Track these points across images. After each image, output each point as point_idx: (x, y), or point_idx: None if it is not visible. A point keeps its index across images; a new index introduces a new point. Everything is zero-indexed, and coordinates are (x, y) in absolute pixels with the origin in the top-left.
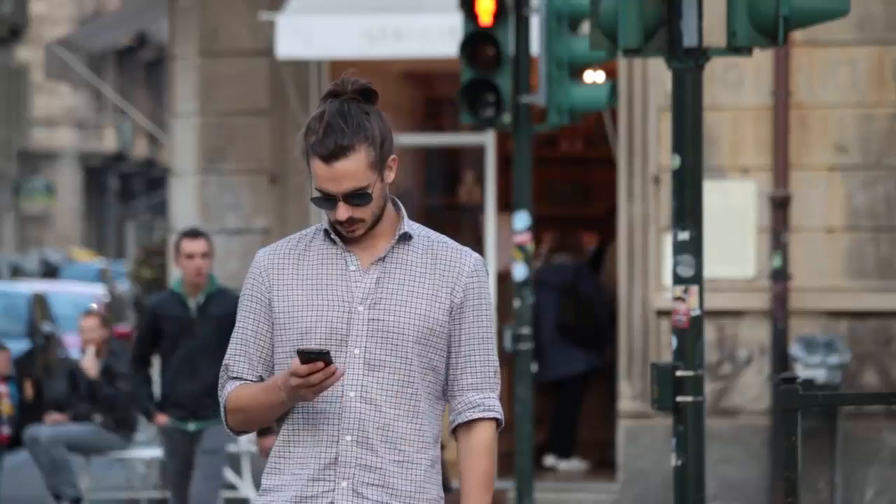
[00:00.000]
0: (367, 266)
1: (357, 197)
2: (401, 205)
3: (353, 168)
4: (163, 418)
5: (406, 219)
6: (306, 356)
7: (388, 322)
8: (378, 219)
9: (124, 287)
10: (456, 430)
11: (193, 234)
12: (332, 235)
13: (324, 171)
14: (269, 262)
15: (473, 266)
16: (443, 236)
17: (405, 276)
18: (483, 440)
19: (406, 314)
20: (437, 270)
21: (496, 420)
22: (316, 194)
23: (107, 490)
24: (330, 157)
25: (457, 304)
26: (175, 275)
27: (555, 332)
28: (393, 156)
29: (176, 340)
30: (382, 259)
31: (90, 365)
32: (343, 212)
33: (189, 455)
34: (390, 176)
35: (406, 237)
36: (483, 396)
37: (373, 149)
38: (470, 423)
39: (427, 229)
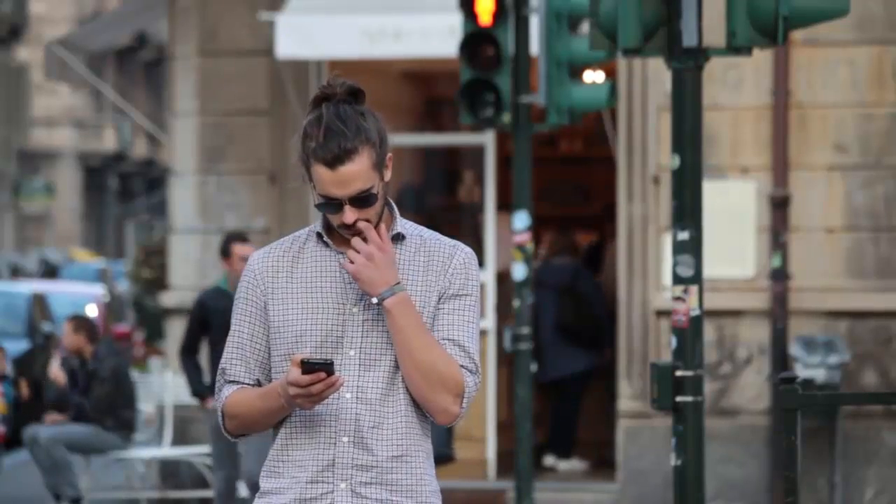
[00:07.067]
0: None
1: (363, 200)
2: (393, 205)
3: (357, 171)
4: (212, 402)
5: (399, 219)
6: (310, 367)
7: (383, 322)
8: (380, 218)
9: (124, 287)
10: None
11: (244, 237)
12: (325, 238)
13: (329, 177)
14: (262, 265)
15: (463, 259)
16: (435, 233)
17: (399, 275)
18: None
19: None
20: (430, 268)
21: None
22: (319, 200)
23: (106, 490)
24: (334, 161)
25: (442, 295)
26: (219, 273)
27: (554, 331)
28: (389, 154)
29: (224, 333)
30: None
31: (57, 373)
32: (350, 215)
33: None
34: (388, 174)
35: (399, 237)
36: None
37: (374, 150)
38: None
39: (420, 227)
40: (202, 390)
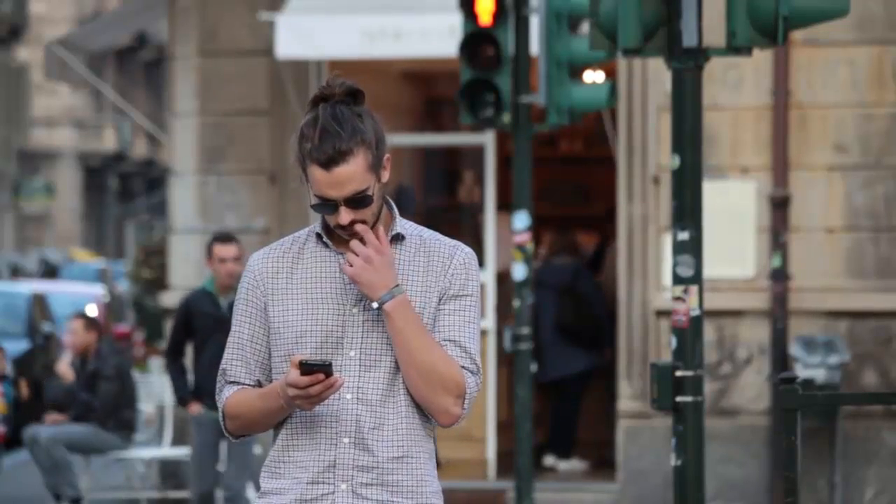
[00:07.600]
0: None
1: (358, 201)
2: (393, 205)
3: (352, 172)
4: (196, 407)
5: (398, 219)
6: (308, 368)
7: (383, 323)
8: (377, 218)
9: (124, 287)
10: None
11: (225, 238)
12: (325, 239)
13: (324, 178)
14: (262, 266)
15: (463, 260)
16: (436, 233)
17: (399, 276)
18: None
19: None
20: (430, 268)
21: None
22: (315, 200)
23: (106, 490)
24: (329, 162)
25: (443, 295)
26: (206, 274)
27: (554, 332)
28: (387, 155)
29: (207, 336)
30: None
31: (65, 370)
32: (345, 216)
33: (217, 443)
34: (385, 175)
35: (399, 237)
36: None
37: (370, 151)
38: None
39: (420, 227)
40: (185, 395)
